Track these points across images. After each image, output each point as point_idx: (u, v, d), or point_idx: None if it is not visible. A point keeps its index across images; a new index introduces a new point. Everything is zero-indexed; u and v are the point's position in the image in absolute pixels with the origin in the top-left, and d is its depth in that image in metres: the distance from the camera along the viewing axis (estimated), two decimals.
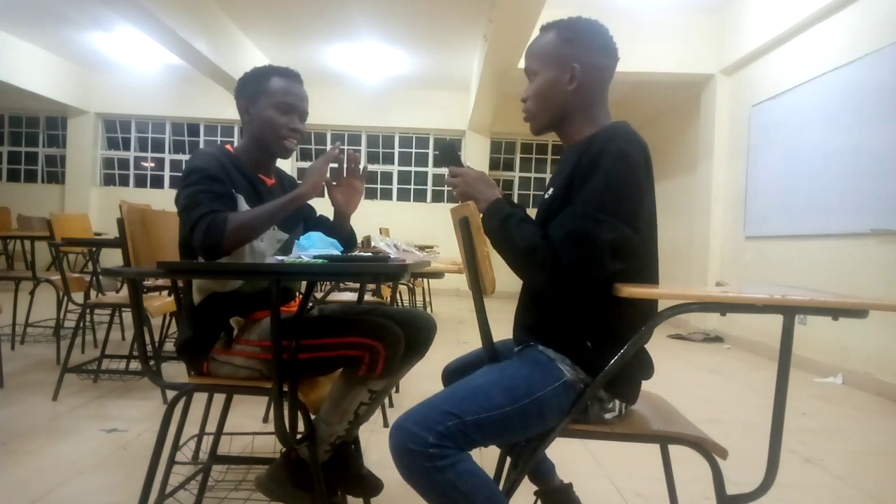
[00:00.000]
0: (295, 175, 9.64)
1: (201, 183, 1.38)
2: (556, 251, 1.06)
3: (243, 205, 1.46)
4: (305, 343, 1.37)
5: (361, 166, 1.63)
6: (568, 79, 1.22)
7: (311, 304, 1.66)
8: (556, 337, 1.18)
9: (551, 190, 1.24)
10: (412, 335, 1.47)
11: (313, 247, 1.33)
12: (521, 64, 1.46)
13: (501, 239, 1.14)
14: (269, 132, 1.52)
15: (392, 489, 1.87)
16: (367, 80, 8.71)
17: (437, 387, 1.45)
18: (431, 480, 1.01)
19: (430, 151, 9.70)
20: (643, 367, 1.21)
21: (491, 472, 1.11)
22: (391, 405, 2.76)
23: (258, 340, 1.41)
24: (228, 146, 1.57)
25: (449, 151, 1.32)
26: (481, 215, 1.18)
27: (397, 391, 3.05)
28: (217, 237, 1.30)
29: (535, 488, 1.49)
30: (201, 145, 9.35)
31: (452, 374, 1.42)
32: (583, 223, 1.07)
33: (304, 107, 1.57)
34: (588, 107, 1.25)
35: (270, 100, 1.51)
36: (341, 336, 1.38)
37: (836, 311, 0.95)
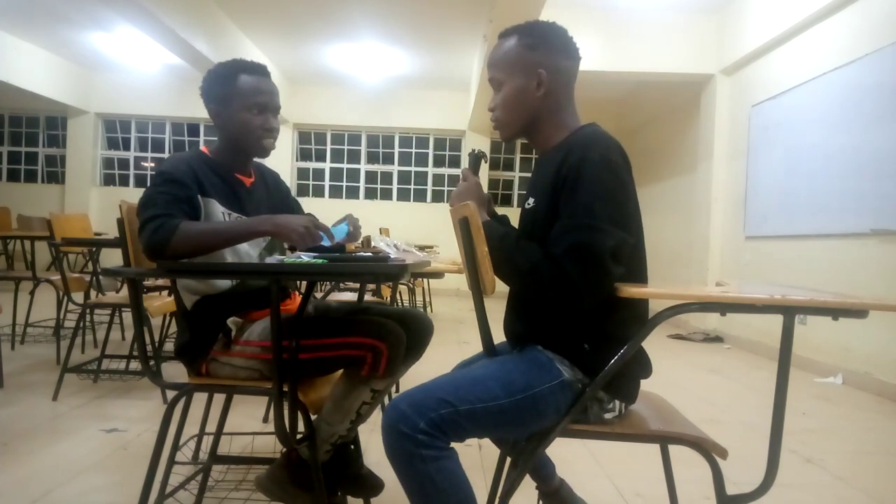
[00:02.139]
0: (296, 174, 9.64)
1: (162, 185, 1.36)
2: (561, 266, 1.06)
3: (217, 207, 1.45)
4: (307, 343, 1.36)
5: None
6: (535, 85, 1.21)
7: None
8: (553, 341, 1.18)
9: (531, 200, 1.24)
10: (409, 336, 1.46)
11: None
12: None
13: (500, 260, 1.14)
14: (245, 135, 1.49)
15: (392, 489, 1.87)
16: (367, 80, 8.71)
17: None
18: (412, 466, 1.03)
19: (431, 151, 9.70)
20: (642, 366, 1.21)
21: (490, 472, 1.11)
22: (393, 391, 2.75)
23: (258, 341, 1.41)
24: (204, 148, 1.55)
25: (475, 161, 1.36)
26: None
27: (397, 390, 3.05)
28: (163, 242, 1.26)
29: (535, 489, 1.49)
30: (201, 146, 9.34)
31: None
32: (581, 235, 1.06)
33: (276, 102, 1.53)
34: (557, 111, 1.25)
35: (242, 101, 1.47)
36: (343, 336, 1.38)
37: (836, 311, 0.95)
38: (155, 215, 1.29)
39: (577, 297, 1.07)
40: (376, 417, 1.97)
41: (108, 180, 9.70)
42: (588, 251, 1.05)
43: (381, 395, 1.49)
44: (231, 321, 1.44)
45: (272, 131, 1.52)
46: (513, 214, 1.24)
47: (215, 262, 1.42)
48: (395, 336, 1.37)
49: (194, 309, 1.46)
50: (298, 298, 1.63)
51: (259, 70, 1.51)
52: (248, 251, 1.50)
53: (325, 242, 1.35)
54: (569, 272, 1.05)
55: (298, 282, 1.75)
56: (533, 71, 1.21)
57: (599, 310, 1.14)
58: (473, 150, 1.38)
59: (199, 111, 10.39)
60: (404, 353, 1.42)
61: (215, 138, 1.57)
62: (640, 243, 1.19)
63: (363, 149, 9.75)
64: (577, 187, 1.09)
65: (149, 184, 1.40)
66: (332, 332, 1.39)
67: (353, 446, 1.61)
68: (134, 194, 9.18)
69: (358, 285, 2.65)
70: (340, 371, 1.45)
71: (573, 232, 1.07)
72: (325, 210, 1.74)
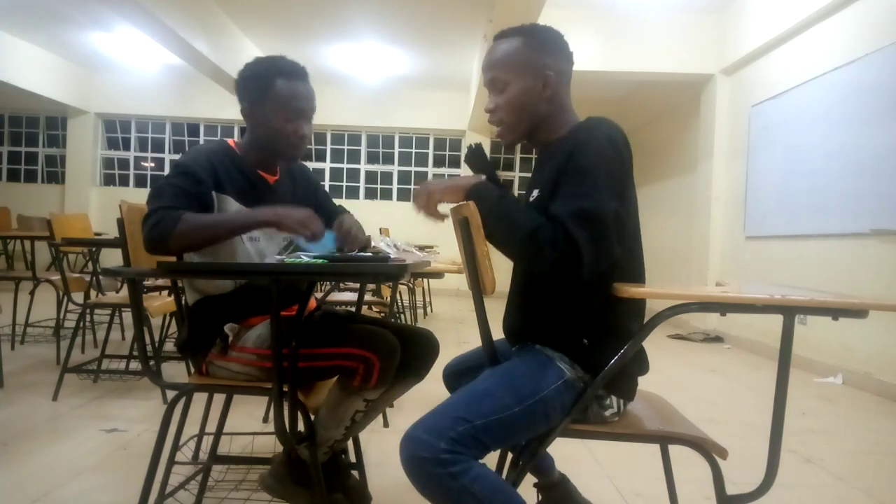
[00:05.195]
0: None
1: (175, 177, 1.36)
2: (566, 229, 1.03)
3: (233, 204, 1.44)
4: (301, 352, 1.36)
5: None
6: (542, 86, 1.22)
7: (316, 307, 1.64)
8: (552, 336, 1.18)
9: (536, 192, 1.23)
10: (411, 355, 1.45)
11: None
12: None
13: (498, 219, 1.10)
14: (276, 140, 1.47)
15: (393, 489, 1.87)
16: (367, 80, 8.71)
17: (437, 388, 1.46)
18: (445, 488, 0.99)
19: (431, 151, 9.71)
20: (639, 363, 1.21)
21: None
22: (391, 405, 2.75)
23: (254, 348, 1.40)
24: (231, 142, 1.53)
25: (477, 158, 1.30)
26: (472, 195, 1.14)
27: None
28: (164, 234, 1.25)
29: (533, 486, 1.49)
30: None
31: (453, 374, 1.42)
32: (586, 200, 1.05)
33: (312, 107, 1.50)
34: (560, 111, 1.25)
35: (276, 106, 1.44)
36: (336, 346, 1.37)
37: (836, 311, 0.95)
38: (159, 207, 1.28)
39: (579, 261, 1.02)
40: (377, 417, 1.97)
41: (108, 180, 9.70)
42: (594, 216, 1.03)
43: (378, 405, 1.47)
44: (228, 327, 1.43)
45: (304, 138, 1.49)
46: None
47: (216, 262, 1.42)
48: (388, 347, 1.36)
49: (196, 307, 1.47)
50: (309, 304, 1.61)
51: (297, 74, 1.47)
52: (263, 250, 1.49)
53: (324, 247, 1.33)
54: (573, 235, 1.02)
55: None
56: (541, 72, 1.22)
57: (598, 303, 1.14)
58: (471, 146, 1.32)
59: (199, 111, 10.42)
60: (402, 373, 1.41)
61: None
62: (636, 231, 1.19)
63: (363, 149, 9.75)
64: (581, 160, 1.09)
65: (166, 173, 1.39)
66: (324, 341, 1.38)
67: (343, 456, 1.61)
68: (134, 194, 9.20)
69: (358, 285, 2.65)
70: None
71: (578, 198, 1.05)
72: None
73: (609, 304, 1.14)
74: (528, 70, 1.22)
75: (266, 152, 1.52)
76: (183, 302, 1.53)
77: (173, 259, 1.44)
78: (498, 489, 1.03)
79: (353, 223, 1.53)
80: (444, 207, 1.25)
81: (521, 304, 1.28)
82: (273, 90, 1.44)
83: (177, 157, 9.66)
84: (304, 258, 1.24)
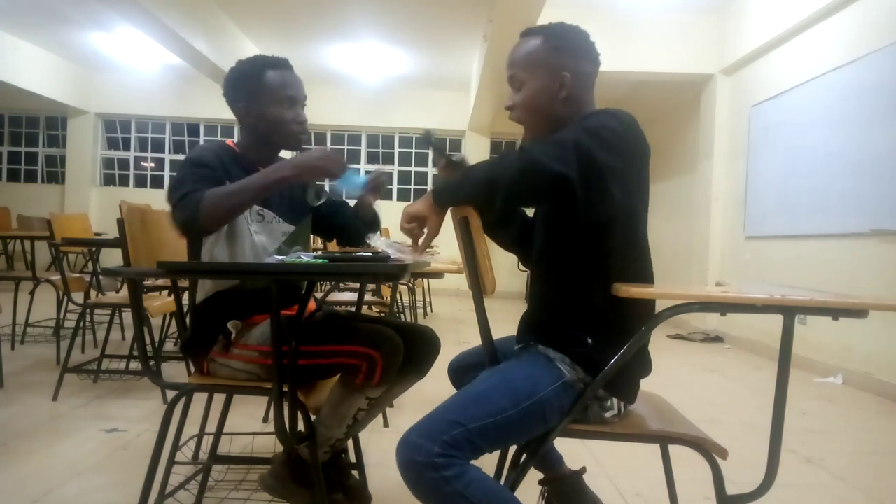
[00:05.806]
0: None
1: (190, 168, 1.38)
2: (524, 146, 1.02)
3: None
4: (303, 349, 1.36)
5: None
6: (558, 87, 1.22)
7: (317, 308, 1.65)
8: (557, 333, 1.18)
9: None
10: (412, 353, 1.46)
11: None
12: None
13: (468, 180, 1.09)
14: (279, 131, 1.50)
15: (392, 489, 1.87)
16: (367, 80, 8.71)
17: (436, 388, 1.46)
18: (440, 492, 0.99)
19: (431, 152, 9.69)
20: (642, 365, 1.21)
21: (491, 473, 1.11)
22: (391, 405, 2.75)
23: (256, 345, 1.41)
24: (229, 141, 1.55)
25: (435, 142, 1.32)
26: (435, 195, 1.13)
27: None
28: (192, 213, 1.27)
29: (538, 483, 1.49)
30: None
31: (458, 370, 1.42)
32: (557, 136, 1.05)
33: (303, 94, 1.56)
34: (578, 113, 1.25)
35: (272, 97, 1.48)
36: (339, 344, 1.37)
37: (836, 311, 0.95)
38: (182, 194, 1.31)
39: (530, 156, 1.02)
40: (377, 417, 1.97)
41: (108, 180, 9.70)
42: (555, 139, 1.01)
43: (380, 403, 1.48)
44: (231, 324, 1.44)
45: (304, 124, 1.54)
46: None
47: (215, 263, 1.42)
48: (391, 344, 1.36)
49: (203, 305, 1.47)
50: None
51: (283, 64, 1.53)
52: (266, 245, 1.50)
53: (354, 185, 1.45)
54: (525, 147, 1.02)
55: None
56: (557, 73, 1.21)
57: (605, 301, 1.14)
58: (428, 133, 1.34)
59: (199, 111, 10.40)
60: (403, 370, 1.41)
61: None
62: (643, 234, 1.18)
63: (363, 149, 9.76)
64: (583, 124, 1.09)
65: (177, 171, 1.41)
66: (328, 339, 1.38)
67: (343, 455, 1.61)
68: (134, 194, 9.19)
69: (358, 285, 2.65)
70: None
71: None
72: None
73: (614, 302, 1.13)
74: (545, 70, 1.22)
75: (266, 148, 1.54)
76: (185, 301, 1.53)
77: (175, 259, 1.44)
78: (493, 493, 1.03)
79: (383, 175, 1.66)
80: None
81: (531, 303, 1.28)
82: (265, 83, 1.48)
83: (177, 156, 9.71)
84: (304, 258, 1.24)
